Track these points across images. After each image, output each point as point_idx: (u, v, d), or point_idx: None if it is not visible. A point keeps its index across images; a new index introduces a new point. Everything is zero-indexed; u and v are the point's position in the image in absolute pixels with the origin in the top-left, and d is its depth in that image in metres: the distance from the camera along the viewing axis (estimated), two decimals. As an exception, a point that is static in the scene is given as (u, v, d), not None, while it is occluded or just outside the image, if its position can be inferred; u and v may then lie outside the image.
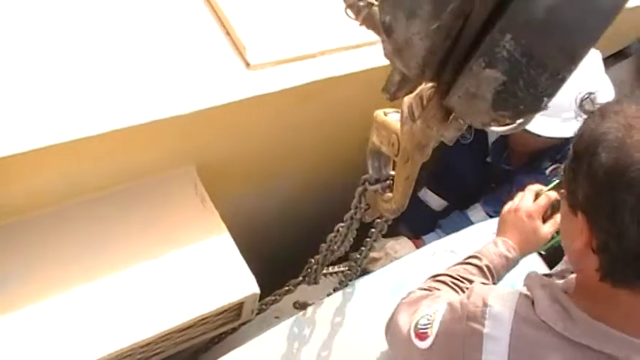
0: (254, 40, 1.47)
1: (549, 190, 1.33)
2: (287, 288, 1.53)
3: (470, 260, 1.22)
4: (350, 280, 1.49)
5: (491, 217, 1.92)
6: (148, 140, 1.38)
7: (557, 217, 1.26)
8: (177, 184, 1.54)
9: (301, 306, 1.57)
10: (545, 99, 0.69)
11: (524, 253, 1.26)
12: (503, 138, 2.00)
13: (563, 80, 0.68)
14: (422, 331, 1.05)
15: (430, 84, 0.84)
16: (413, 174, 0.99)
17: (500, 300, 0.95)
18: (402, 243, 1.98)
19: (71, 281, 1.33)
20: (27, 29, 1.36)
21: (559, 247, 1.26)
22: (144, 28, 1.46)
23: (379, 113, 1.01)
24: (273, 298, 1.55)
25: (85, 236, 1.40)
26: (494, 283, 1.21)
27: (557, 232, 1.26)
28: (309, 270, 1.47)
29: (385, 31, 0.74)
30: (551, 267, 1.42)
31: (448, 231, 1.91)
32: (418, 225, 2.15)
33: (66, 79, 1.32)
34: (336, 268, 1.60)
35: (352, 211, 1.23)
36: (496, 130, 0.80)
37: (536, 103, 0.69)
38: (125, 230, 1.44)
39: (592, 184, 0.80)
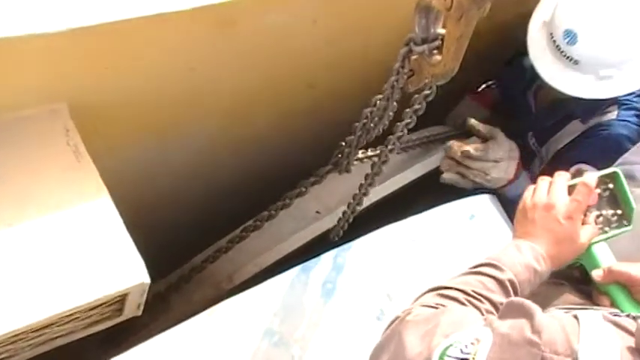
0: None
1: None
2: (314, 179, 1.41)
3: (486, 270, 0.93)
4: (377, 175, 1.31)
5: None
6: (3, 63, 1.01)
7: (592, 215, 1.00)
8: (43, 126, 1.16)
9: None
10: None
11: (555, 265, 0.97)
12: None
13: None
14: None
15: None
16: (467, 33, 0.92)
17: (594, 350, 0.70)
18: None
19: None
20: None
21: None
22: None
23: None
24: (299, 190, 1.42)
25: None
26: None
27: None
28: (339, 155, 1.38)
29: None
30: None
31: None
32: None
33: None
34: (369, 152, 1.44)
35: (393, 78, 1.09)
36: None
37: None
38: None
39: None
